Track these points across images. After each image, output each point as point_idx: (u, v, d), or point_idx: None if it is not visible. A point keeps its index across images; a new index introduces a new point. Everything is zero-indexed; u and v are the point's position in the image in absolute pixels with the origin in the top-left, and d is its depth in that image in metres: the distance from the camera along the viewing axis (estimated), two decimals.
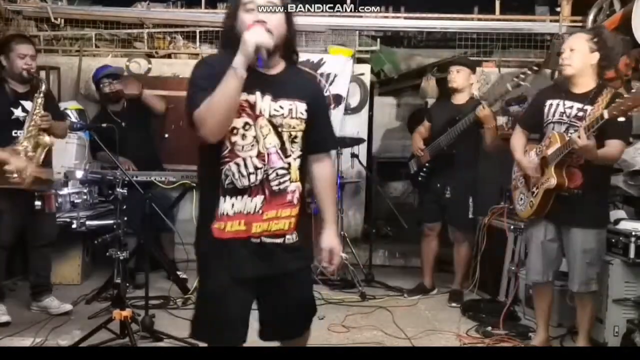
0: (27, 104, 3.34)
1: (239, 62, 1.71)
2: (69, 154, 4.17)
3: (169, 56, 5.40)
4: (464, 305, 3.76)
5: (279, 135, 1.86)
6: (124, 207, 3.08)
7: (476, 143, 3.80)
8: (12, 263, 3.76)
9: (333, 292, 4.05)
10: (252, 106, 1.82)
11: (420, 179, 3.98)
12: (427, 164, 3.92)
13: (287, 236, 1.90)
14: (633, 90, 2.55)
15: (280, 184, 1.86)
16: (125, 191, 3.07)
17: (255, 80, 1.80)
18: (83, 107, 4.78)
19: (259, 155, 1.84)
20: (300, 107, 1.89)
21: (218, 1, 5.60)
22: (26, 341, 3.00)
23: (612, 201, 3.57)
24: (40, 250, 3.51)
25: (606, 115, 2.51)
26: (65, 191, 3.94)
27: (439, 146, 3.80)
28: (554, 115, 2.85)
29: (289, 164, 1.88)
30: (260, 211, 1.85)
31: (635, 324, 2.93)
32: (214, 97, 1.71)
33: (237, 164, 1.83)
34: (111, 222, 3.15)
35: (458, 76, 3.80)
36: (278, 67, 1.90)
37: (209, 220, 1.87)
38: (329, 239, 1.99)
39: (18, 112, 3.34)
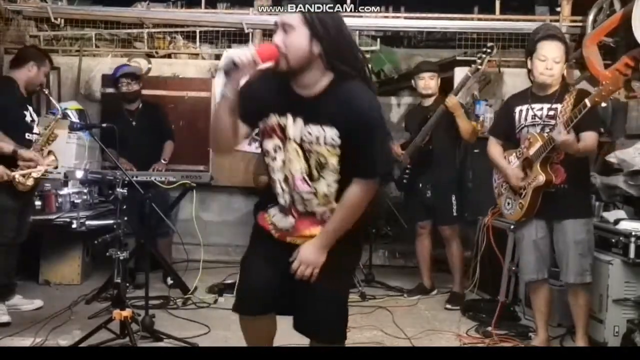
0: (31, 110, 3.48)
1: (224, 85, 1.72)
2: (68, 154, 4.17)
3: (169, 56, 5.41)
4: (464, 306, 3.75)
5: (307, 160, 1.81)
6: (124, 207, 3.08)
7: (453, 142, 3.94)
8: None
9: None
10: (283, 129, 1.80)
11: (403, 181, 4.07)
12: (408, 167, 4.00)
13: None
14: (602, 85, 2.64)
15: (306, 207, 1.87)
16: (125, 191, 3.07)
17: (289, 102, 1.77)
18: (83, 107, 4.79)
19: (286, 179, 1.86)
20: (330, 133, 1.76)
21: (218, 1, 5.61)
22: (26, 341, 3.00)
23: (612, 201, 3.57)
24: (16, 249, 3.51)
25: (589, 104, 2.63)
26: (65, 191, 3.95)
27: (416, 145, 3.92)
28: (526, 119, 2.95)
29: (316, 189, 1.83)
30: (291, 230, 1.91)
31: (636, 324, 2.93)
32: (212, 119, 1.85)
33: (274, 182, 1.89)
34: (111, 222, 3.15)
35: (432, 82, 3.96)
36: (317, 86, 1.77)
37: (260, 210, 1.99)
38: (304, 247, 1.87)
39: (28, 117, 3.42)
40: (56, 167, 3.52)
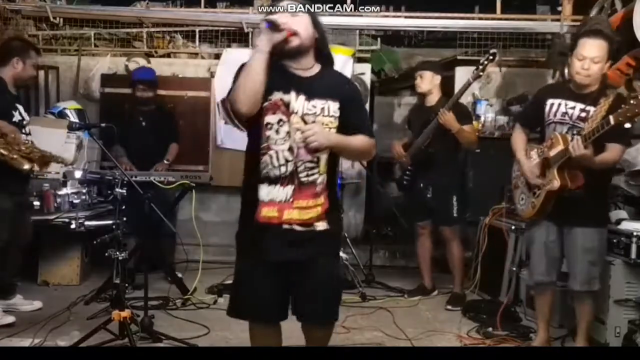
0: (21, 108, 3.39)
1: (261, 40, 1.95)
2: (67, 154, 4.15)
3: (168, 55, 5.40)
4: (465, 306, 3.74)
5: None
6: (124, 207, 3.07)
7: (454, 143, 3.89)
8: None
9: None
10: (287, 105, 2.02)
11: (404, 182, 4.04)
12: (409, 167, 3.98)
13: (316, 224, 2.06)
14: (634, 101, 2.49)
15: (308, 175, 2.04)
16: (124, 191, 3.06)
17: (291, 81, 2.02)
18: (82, 106, 4.78)
19: (290, 149, 2.02)
20: (333, 106, 2.05)
21: (217, 0, 5.59)
22: (25, 342, 2.99)
23: (614, 201, 3.56)
24: (19, 250, 3.49)
25: (612, 122, 2.51)
26: (64, 191, 3.93)
27: (417, 147, 3.90)
28: (555, 115, 2.83)
29: (318, 157, 2.05)
30: (291, 200, 2.03)
31: (637, 325, 2.92)
32: (243, 74, 1.96)
33: (271, 156, 2.03)
34: (110, 222, 3.14)
35: (422, 81, 3.92)
36: (313, 69, 2.08)
37: (247, 205, 2.10)
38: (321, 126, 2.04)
39: (17, 116, 3.34)
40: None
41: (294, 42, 1.99)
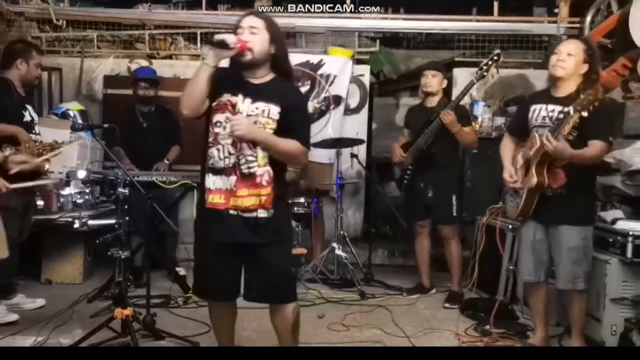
0: (30, 109, 3.46)
1: (208, 56, 2.20)
2: (70, 154, 4.19)
3: (170, 57, 5.43)
4: (463, 304, 3.78)
5: None
6: (126, 206, 3.11)
7: (455, 143, 3.93)
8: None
9: (332, 291, 4.07)
10: (234, 105, 2.28)
11: (405, 181, 4.07)
12: (409, 167, 4.01)
13: (259, 211, 2.28)
14: (596, 87, 2.63)
15: (249, 168, 2.26)
16: (126, 191, 3.09)
17: (241, 86, 2.29)
18: (85, 107, 4.82)
19: (234, 143, 2.26)
20: (274, 110, 2.28)
21: (219, 3, 5.63)
22: (28, 340, 3.01)
23: (610, 201, 3.59)
24: (16, 247, 3.51)
25: (572, 112, 2.62)
26: (67, 191, 3.97)
27: (419, 147, 3.92)
28: (537, 120, 2.92)
29: (257, 152, 2.26)
30: (235, 188, 2.26)
31: (633, 323, 2.94)
32: (189, 82, 2.27)
33: (218, 149, 2.28)
34: (113, 221, 3.18)
35: (434, 81, 3.93)
36: (265, 77, 2.33)
37: (201, 194, 2.35)
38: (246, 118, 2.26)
39: (27, 116, 3.40)
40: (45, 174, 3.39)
41: (247, 56, 2.25)
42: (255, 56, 2.26)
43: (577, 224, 2.84)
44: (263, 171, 2.27)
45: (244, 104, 2.27)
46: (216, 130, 2.28)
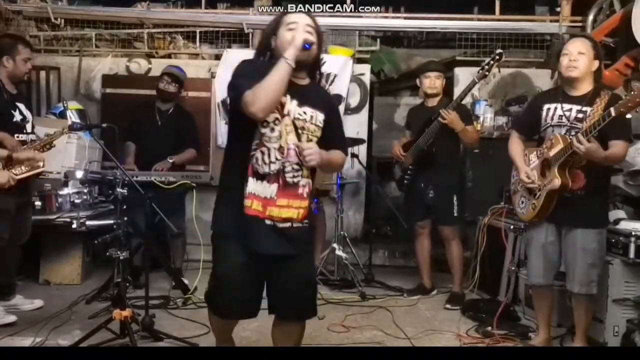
0: (22, 107, 3.37)
1: (290, 54, 2.05)
2: (69, 154, 4.18)
3: (169, 56, 5.41)
4: (464, 305, 3.76)
5: (298, 135, 2.14)
6: (124, 207, 3.08)
7: (456, 143, 3.92)
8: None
9: (333, 292, 4.06)
10: (282, 105, 2.12)
11: (405, 181, 4.06)
12: (410, 167, 3.99)
13: (295, 224, 2.16)
14: (633, 92, 2.56)
15: (294, 177, 2.14)
16: (125, 191, 3.07)
17: (288, 86, 2.09)
18: (83, 107, 4.79)
19: (280, 148, 2.12)
20: (320, 117, 2.21)
21: (218, 1, 5.61)
22: (26, 341, 3.00)
23: (612, 201, 3.57)
24: (18, 248, 3.50)
25: (614, 113, 2.53)
26: (65, 191, 3.95)
27: (419, 147, 3.91)
28: (552, 119, 2.87)
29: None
30: (275, 197, 2.11)
31: (635, 324, 2.93)
32: (268, 80, 2.02)
33: (262, 152, 2.12)
34: (111, 222, 3.16)
35: (438, 82, 3.95)
36: (305, 80, 2.22)
37: (231, 199, 2.15)
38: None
39: (17, 116, 3.34)
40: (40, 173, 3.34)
41: (308, 58, 2.15)
42: (312, 59, 2.19)
43: (593, 226, 2.81)
44: (306, 182, 2.18)
45: (292, 105, 2.14)
46: (263, 130, 2.11)
